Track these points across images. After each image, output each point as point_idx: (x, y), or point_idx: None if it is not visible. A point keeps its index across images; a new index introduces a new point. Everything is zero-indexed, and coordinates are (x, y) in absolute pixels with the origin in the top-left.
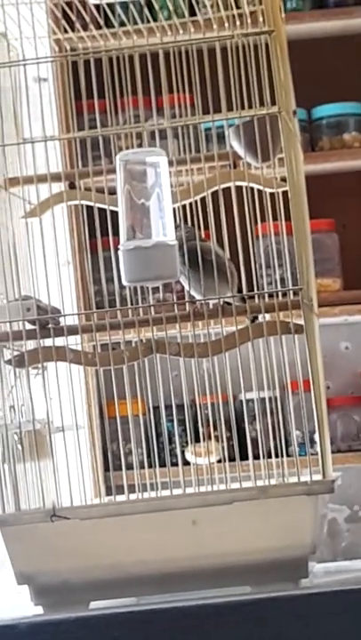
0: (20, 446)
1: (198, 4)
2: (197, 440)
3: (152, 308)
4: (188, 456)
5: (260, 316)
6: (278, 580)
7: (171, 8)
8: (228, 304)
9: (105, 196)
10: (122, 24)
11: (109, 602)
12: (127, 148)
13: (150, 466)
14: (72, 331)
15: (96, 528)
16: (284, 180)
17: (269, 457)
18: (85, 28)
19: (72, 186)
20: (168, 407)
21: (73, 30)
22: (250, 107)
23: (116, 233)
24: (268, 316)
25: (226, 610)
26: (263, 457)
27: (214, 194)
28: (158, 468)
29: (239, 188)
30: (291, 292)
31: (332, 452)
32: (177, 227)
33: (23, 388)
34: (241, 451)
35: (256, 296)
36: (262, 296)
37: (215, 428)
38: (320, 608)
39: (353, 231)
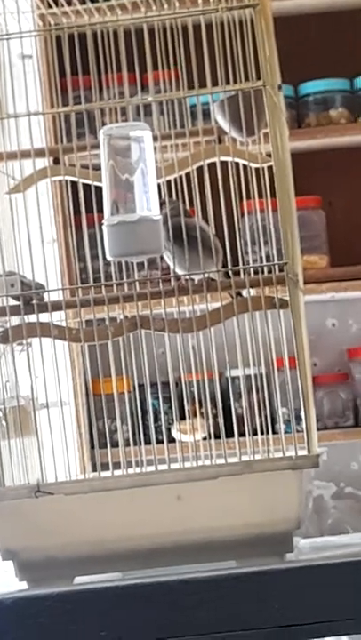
0: (4, 423)
1: None
2: (183, 417)
3: (137, 283)
4: (174, 433)
5: (245, 292)
6: (263, 554)
7: None
8: (213, 280)
9: (89, 172)
10: None
11: (94, 577)
12: (112, 123)
13: (136, 443)
14: (56, 306)
15: (81, 504)
16: (269, 155)
17: (255, 434)
18: (70, 2)
19: (56, 161)
20: (154, 384)
21: (57, 5)
22: (235, 81)
23: (100, 209)
24: (253, 292)
25: (211, 584)
26: (249, 434)
27: (199, 169)
28: (144, 446)
29: (224, 164)
30: (276, 266)
31: (319, 429)
32: (162, 203)
33: (7, 365)
34: (227, 428)
35: (241, 271)
36: (247, 271)
37: (201, 405)
38: (305, 582)
39: (339, 208)
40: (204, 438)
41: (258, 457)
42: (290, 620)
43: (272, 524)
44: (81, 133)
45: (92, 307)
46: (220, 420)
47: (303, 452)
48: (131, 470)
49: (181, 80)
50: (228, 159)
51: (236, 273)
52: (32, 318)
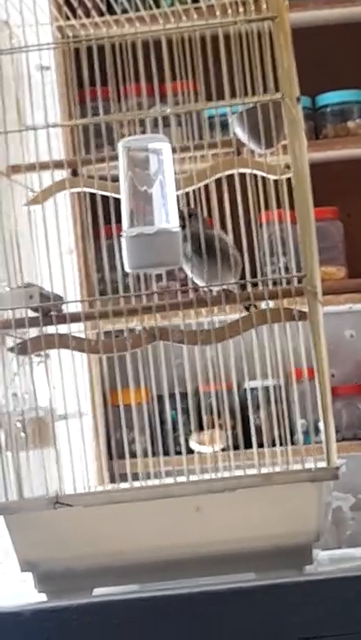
0: (23, 434)
1: None
2: (201, 428)
3: (155, 295)
4: (192, 444)
5: (264, 304)
6: (283, 566)
7: None
8: (232, 291)
9: (108, 184)
10: (124, 11)
11: (113, 589)
12: (130, 135)
13: (154, 454)
14: (75, 318)
15: (99, 515)
16: (288, 167)
17: (274, 445)
18: (88, 14)
19: (75, 173)
20: (172, 395)
21: (75, 17)
22: (253, 93)
23: (119, 220)
24: (271, 304)
25: (230, 596)
26: (267, 445)
27: (218, 181)
28: (162, 457)
29: (243, 176)
30: (295, 278)
31: (337, 441)
32: (191, 215)
33: (26, 376)
34: (245, 439)
35: (260, 283)
36: (266, 283)
37: (219, 417)
38: (324, 594)
39: (357, 219)
40: (223, 449)
41: (277, 469)
42: (309, 632)
43: (291, 537)
44: (99, 145)
45: (110, 318)
46: (239, 432)
47: (322, 464)
48: (149, 481)
49: (200, 92)
50: (247, 171)
51: (255, 284)
52: (51, 330)
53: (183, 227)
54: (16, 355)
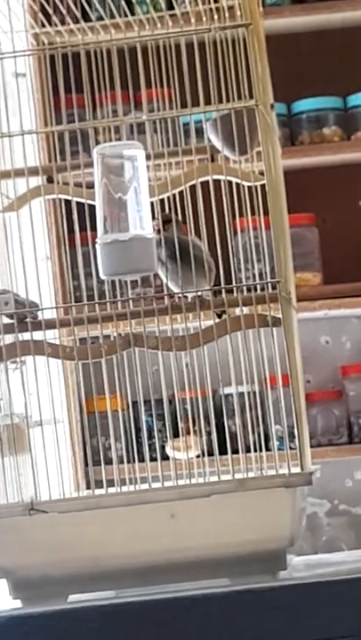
0: None
1: None
2: (177, 435)
3: (130, 301)
4: (168, 451)
5: (238, 310)
6: (257, 572)
7: (148, 2)
8: (206, 298)
9: (83, 190)
10: (99, 18)
11: (88, 595)
12: (105, 142)
13: (129, 461)
14: (50, 325)
15: (74, 522)
16: (262, 173)
17: (248, 451)
18: (63, 22)
19: (50, 180)
20: (147, 402)
21: (50, 24)
22: (227, 100)
23: (94, 227)
24: (246, 310)
25: (204, 602)
26: (242, 451)
27: (192, 188)
28: (138, 463)
29: (217, 182)
30: (269, 285)
31: (313, 447)
32: (167, 221)
33: (1, 383)
34: (220, 445)
35: (234, 289)
36: (240, 289)
37: (194, 423)
38: (298, 600)
39: (333, 225)
40: (198, 456)
41: (251, 474)
42: (282, 637)
43: (265, 542)
44: (74, 152)
45: (85, 325)
46: (214, 438)
47: (296, 470)
48: (124, 488)
49: (174, 99)
50: (221, 177)
51: (230, 291)
52: (26, 336)
53: (158, 232)
54: None
